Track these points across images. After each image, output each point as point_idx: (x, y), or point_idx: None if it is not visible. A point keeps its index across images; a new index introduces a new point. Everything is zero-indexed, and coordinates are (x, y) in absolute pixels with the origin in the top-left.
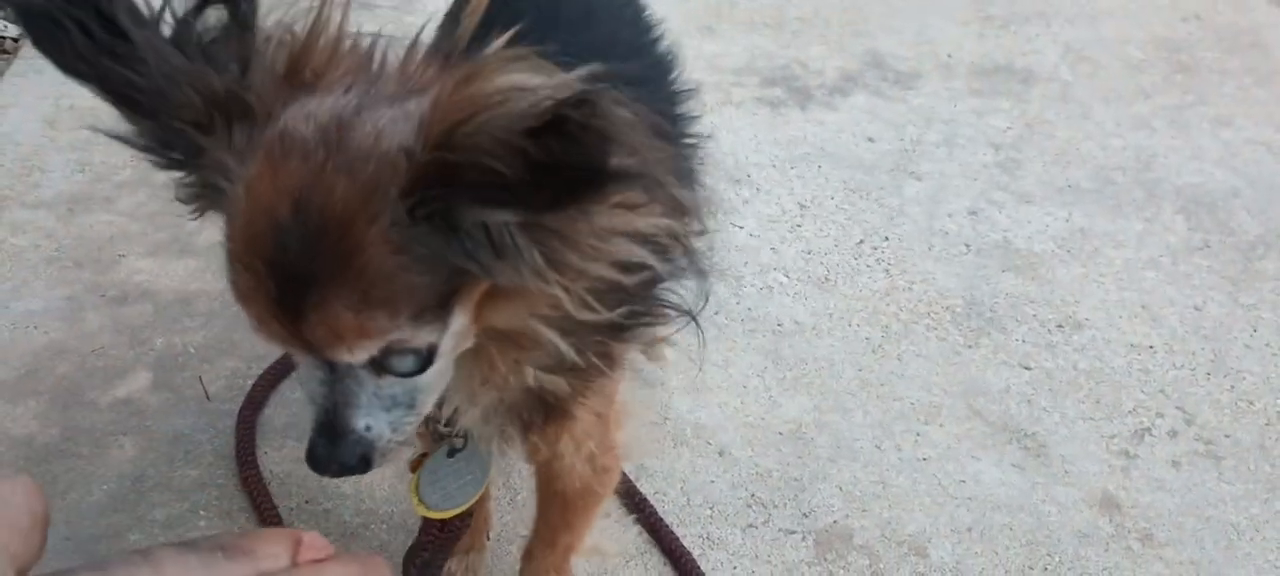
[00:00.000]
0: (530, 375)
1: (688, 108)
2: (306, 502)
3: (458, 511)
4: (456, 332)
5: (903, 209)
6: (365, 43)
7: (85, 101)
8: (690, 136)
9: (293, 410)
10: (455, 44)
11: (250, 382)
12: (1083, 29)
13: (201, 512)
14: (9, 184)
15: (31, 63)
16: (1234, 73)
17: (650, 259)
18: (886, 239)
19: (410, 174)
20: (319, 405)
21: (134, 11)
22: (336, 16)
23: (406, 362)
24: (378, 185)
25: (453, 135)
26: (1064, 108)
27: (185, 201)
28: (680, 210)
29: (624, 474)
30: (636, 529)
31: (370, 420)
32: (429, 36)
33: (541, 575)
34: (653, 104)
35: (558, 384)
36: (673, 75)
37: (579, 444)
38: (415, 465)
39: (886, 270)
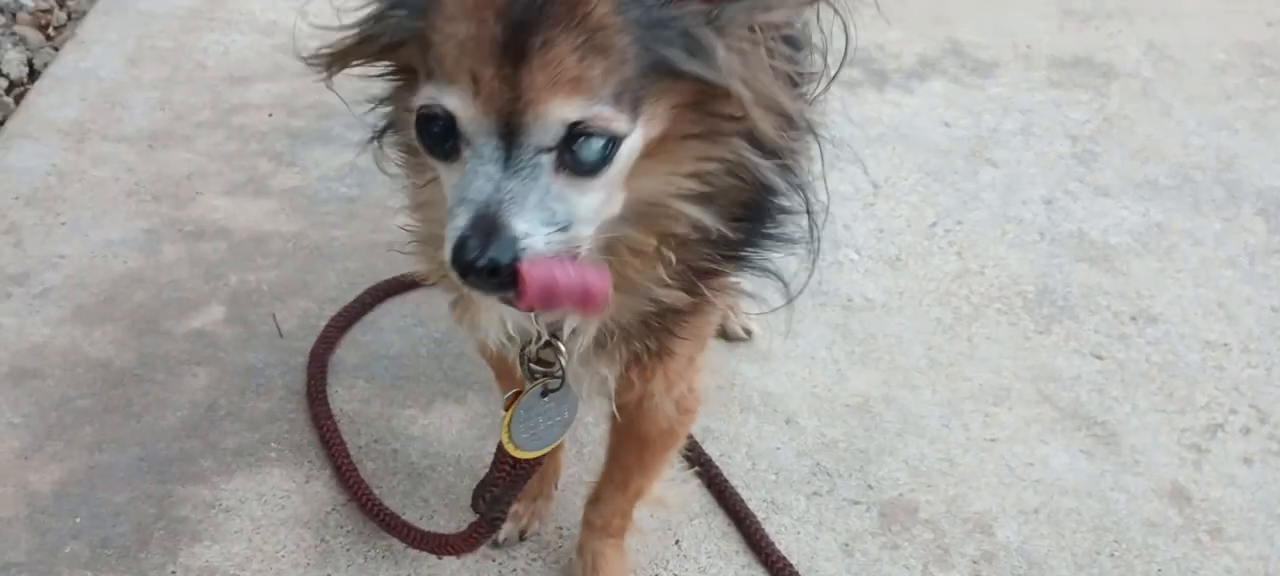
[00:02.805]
0: (659, 276)
1: None
2: (375, 441)
3: (544, 452)
4: (633, 149)
5: (977, 194)
6: None
7: (168, 43)
8: None
9: (363, 352)
10: None
11: (322, 323)
12: (1166, 28)
13: (273, 444)
14: (92, 117)
15: (117, 1)
16: None
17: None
18: (959, 222)
19: None
20: (478, 201)
21: None
22: None
23: (593, 148)
24: None
25: None
26: (1144, 104)
27: None
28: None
29: (690, 435)
30: (701, 489)
31: (529, 227)
32: None
33: (609, 518)
34: None
35: (677, 296)
36: None
37: (671, 383)
38: (509, 404)
39: (959, 253)
